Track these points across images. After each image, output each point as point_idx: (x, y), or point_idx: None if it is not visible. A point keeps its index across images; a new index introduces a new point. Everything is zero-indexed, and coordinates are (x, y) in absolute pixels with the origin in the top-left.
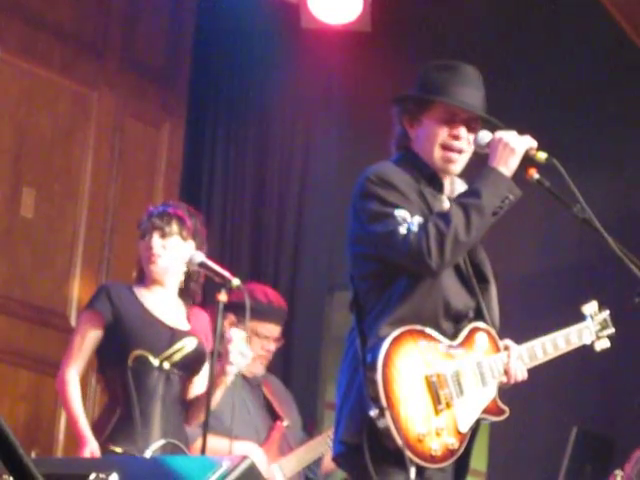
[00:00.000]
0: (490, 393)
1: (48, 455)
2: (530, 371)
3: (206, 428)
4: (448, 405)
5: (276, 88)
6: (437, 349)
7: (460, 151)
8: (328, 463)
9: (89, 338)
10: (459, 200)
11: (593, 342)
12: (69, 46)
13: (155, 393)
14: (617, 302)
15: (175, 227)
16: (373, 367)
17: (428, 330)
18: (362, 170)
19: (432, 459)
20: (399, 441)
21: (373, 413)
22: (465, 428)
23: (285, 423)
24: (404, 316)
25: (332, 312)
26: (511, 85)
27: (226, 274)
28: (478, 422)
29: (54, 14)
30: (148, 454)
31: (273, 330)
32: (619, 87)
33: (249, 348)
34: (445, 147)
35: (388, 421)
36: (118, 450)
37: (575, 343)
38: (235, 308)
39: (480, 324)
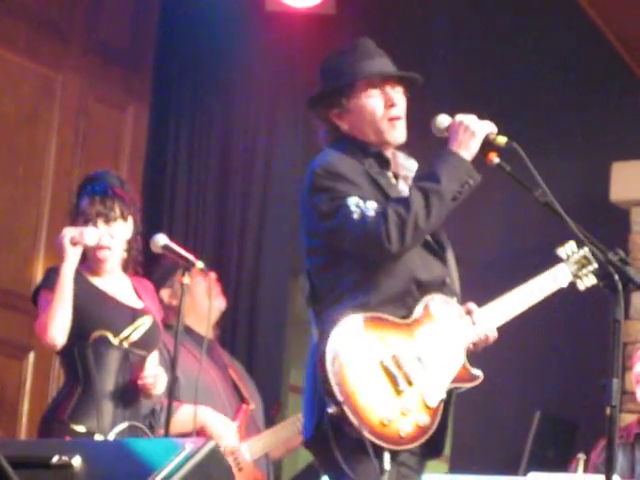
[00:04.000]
0: (458, 361)
1: (11, 438)
2: (493, 356)
3: (171, 405)
4: (410, 383)
5: (240, 71)
6: (392, 331)
7: (400, 117)
8: (278, 449)
9: None
10: (418, 184)
11: (574, 283)
12: (33, 28)
13: (115, 372)
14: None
15: (117, 211)
16: (323, 362)
17: (380, 314)
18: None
19: (402, 440)
20: (357, 427)
21: (332, 410)
22: (435, 402)
23: (252, 406)
24: (366, 302)
25: (296, 296)
26: (475, 69)
27: (190, 257)
28: (451, 393)
29: None
30: (111, 436)
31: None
32: (580, 71)
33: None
34: (389, 118)
35: (348, 414)
36: (80, 429)
37: (551, 288)
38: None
39: (435, 295)
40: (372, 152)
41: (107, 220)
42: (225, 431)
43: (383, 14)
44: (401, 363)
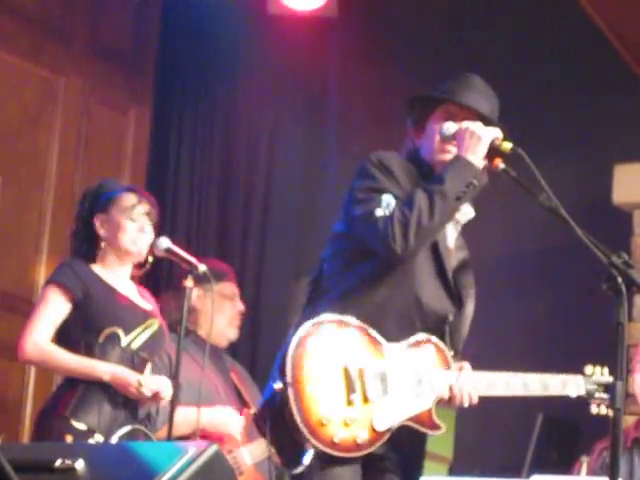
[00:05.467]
0: (424, 404)
1: (14, 441)
2: (496, 358)
3: (173, 410)
4: (366, 400)
5: (243, 73)
6: (369, 345)
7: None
8: None
9: (56, 312)
10: (424, 185)
11: (587, 401)
12: (36, 31)
13: None
14: (581, 287)
15: (154, 214)
16: (288, 343)
17: (368, 327)
18: (329, 157)
19: (332, 445)
20: (292, 412)
21: (277, 386)
22: (382, 427)
23: (252, 411)
24: (360, 303)
25: (298, 299)
26: (477, 74)
27: (192, 260)
28: (410, 429)
29: None
30: (114, 439)
31: (234, 289)
32: (585, 77)
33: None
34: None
35: (289, 396)
36: (80, 426)
37: (555, 391)
38: (196, 280)
39: (432, 338)
40: (426, 170)
41: (151, 219)
42: (227, 419)
43: (385, 18)
44: (365, 378)
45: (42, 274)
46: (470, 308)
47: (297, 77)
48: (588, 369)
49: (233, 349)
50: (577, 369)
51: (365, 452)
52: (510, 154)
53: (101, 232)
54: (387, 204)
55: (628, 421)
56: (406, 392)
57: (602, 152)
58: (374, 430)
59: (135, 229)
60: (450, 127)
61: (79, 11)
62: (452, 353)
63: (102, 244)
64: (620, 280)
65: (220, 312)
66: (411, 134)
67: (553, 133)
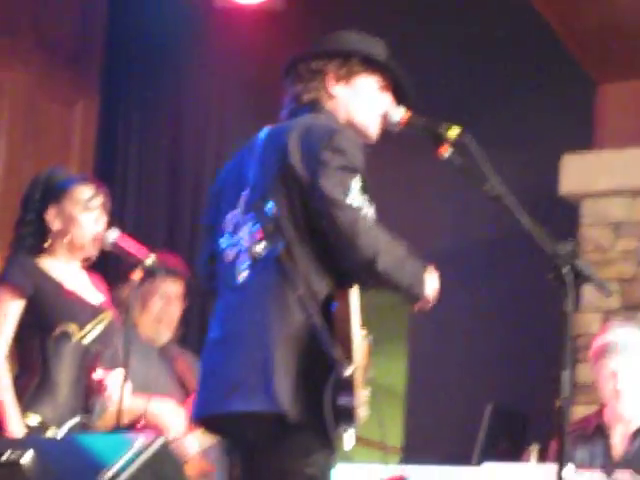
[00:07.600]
0: None
1: None
2: (446, 349)
3: (122, 399)
4: None
5: (190, 67)
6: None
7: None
8: None
9: (12, 314)
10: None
11: None
12: None
13: (71, 366)
14: (529, 278)
15: (107, 206)
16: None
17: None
18: None
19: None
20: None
21: (349, 372)
22: None
23: None
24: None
25: None
26: (421, 60)
27: (139, 255)
28: None
29: None
30: (63, 431)
31: (171, 287)
32: (530, 63)
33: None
34: (383, 115)
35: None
36: (36, 417)
37: None
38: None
39: None
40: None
41: (105, 213)
42: (173, 420)
43: (332, 11)
44: None
45: None
46: None
47: (244, 70)
48: None
49: (183, 336)
50: (528, 356)
51: None
52: (457, 142)
53: (54, 225)
54: (361, 199)
55: (576, 412)
56: None
57: (549, 142)
58: None
59: (92, 222)
60: (396, 114)
61: (24, 4)
62: None
63: (52, 236)
64: (565, 270)
65: (150, 309)
66: (325, 74)
67: (499, 124)
